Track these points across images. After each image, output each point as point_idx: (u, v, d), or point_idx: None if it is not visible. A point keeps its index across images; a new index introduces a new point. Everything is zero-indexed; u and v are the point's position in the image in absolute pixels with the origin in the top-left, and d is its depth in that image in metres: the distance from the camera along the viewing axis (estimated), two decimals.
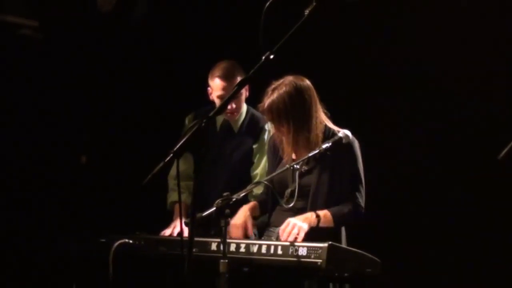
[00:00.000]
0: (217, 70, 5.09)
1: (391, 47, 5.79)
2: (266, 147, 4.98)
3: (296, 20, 3.45)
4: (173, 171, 5.14)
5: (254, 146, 5.13)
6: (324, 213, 4.33)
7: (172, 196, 5.23)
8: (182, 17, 6.53)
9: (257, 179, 5.02)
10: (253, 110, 5.18)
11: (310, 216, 4.29)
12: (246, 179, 5.04)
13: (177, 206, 5.15)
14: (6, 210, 6.20)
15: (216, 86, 5.08)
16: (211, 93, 5.16)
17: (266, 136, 5.11)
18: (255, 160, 5.13)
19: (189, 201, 5.05)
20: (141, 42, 6.59)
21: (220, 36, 6.28)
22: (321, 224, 4.29)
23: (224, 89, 5.05)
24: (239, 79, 5.00)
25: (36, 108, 6.40)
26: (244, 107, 5.20)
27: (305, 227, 4.19)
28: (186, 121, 5.29)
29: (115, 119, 6.56)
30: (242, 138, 5.15)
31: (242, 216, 4.53)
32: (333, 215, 4.35)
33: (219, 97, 5.07)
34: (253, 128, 5.16)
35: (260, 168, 5.09)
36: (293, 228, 4.19)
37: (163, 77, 6.47)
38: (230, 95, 3.81)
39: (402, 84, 5.80)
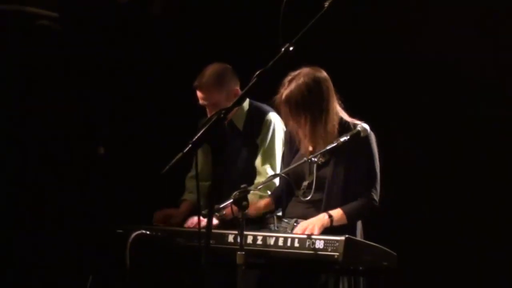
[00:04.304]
0: (197, 79, 5.05)
1: (405, 40, 5.77)
2: (274, 139, 5.02)
3: (316, 12, 3.45)
4: (190, 173, 5.21)
5: (258, 141, 5.10)
6: (336, 211, 4.32)
7: (184, 195, 5.26)
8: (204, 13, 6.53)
9: (258, 170, 5.03)
10: (255, 104, 5.15)
11: (323, 217, 4.27)
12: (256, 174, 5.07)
13: (184, 205, 5.18)
14: (24, 201, 6.23)
15: (197, 94, 5.08)
16: None
17: (268, 127, 5.06)
18: (258, 152, 5.10)
19: (195, 200, 5.07)
20: (161, 35, 6.59)
21: (242, 31, 6.27)
22: (334, 223, 4.28)
23: (202, 99, 5.03)
24: (217, 87, 4.99)
25: (55, 100, 6.42)
26: (246, 102, 5.15)
27: (315, 232, 4.17)
28: (199, 125, 5.24)
29: (133, 110, 6.58)
30: (248, 135, 5.11)
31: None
32: (346, 212, 4.33)
33: (202, 105, 5.06)
34: (256, 123, 5.10)
35: (258, 160, 5.06)
36: (303, 232, 4.18)
37: (182, 69, 6.47)
38: (247, 88, 3.74)
39: (416, 77, 5.78)
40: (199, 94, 5.04)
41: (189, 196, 5.21)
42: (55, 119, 6.43)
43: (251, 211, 4.42)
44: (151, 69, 6.59)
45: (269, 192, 4.87)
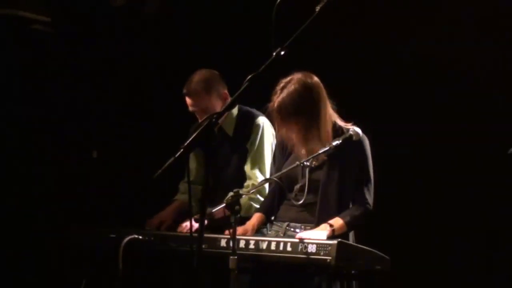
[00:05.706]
0: (185, 86, 5.08)
1: (397, 43, 5.77)
2: (263, 143, 5.02)
3: (307, 16, 3.45)
4: (185, 178, 5.19)
5: (247, 145, 5.10)
6: (336, 221, 4.30)
7: (176, 196, 5.26)
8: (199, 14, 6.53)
9: (247, 174, 5.03)
10: (245, 109, 5.15)
11: (325, 228, 4.25)
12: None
13: (174, 204, 5.19)
14: (18, 203, 6.23)
15: (187, 101, 5.10)
16: None
17: (257, 131, 5.06)
18: (247, 156, 5.10)
19: (186, 200, 5.08)
20: (152, 38, 6.59)
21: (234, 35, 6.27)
22: (336, 233, 4.26)
23: (191, 105, 5.06)
24: (205, 93, 5.01)
25: (49, 103, 6.42)
26: (235, 108, 5.12)
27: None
28: (191, 130, 5.24)
29: (126, 114, 6.58)
30: (238, 140, 5.11)
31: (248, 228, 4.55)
32: (346, 221, 4.32)
33: (192, 112, 5.08)
34: (246, 127, 5.11)
35: (247, 164, 5.06)
36: None
37: (176, 73, 6.46)
38: (239, 92, 3.73)
39: (416, 78, 5.78)
40: (188, 101, 5.07)
41: (181, 197, 5.21)
42: (49, 123, 6.44)
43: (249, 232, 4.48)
44: (146, 73, 6.60)
45: (258, 196, 4.89)
